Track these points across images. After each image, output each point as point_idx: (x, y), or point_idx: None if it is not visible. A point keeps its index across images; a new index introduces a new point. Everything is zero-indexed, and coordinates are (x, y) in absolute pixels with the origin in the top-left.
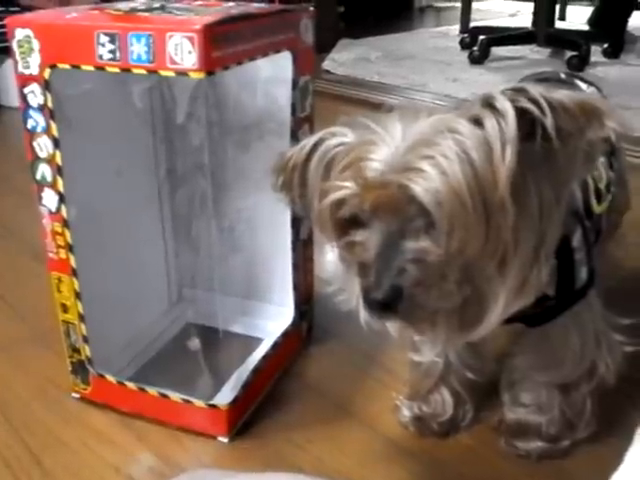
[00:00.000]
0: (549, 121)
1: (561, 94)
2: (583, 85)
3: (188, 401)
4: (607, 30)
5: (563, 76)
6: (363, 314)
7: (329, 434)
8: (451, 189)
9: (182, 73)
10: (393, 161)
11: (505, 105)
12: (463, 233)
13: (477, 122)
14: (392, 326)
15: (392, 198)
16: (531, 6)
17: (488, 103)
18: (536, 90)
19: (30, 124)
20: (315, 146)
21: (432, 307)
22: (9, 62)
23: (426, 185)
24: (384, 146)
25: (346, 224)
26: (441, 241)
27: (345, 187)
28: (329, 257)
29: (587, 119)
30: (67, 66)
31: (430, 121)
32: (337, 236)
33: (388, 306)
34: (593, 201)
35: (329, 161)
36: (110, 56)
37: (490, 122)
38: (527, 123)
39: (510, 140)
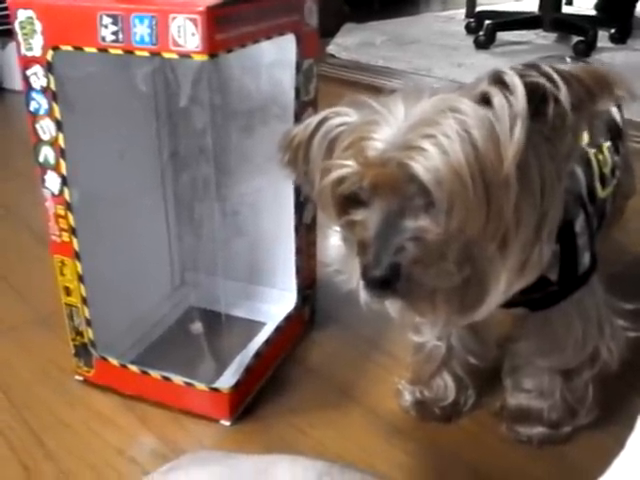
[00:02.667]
0: (563, 94)
1: (571, 66)
2: None
3: (190, 384)
4: (614, 15)
5: (568, 60)
6: (363, 295)
7: (331, 418)
8: (451, 168)
9: (185, 55)
10: (394, 140)
11: (515, 80)
12: (463, 213)
13: (484, 100)
14: (392, 307)
15: (392, 176)
16: None
17: (497, 79)
18: (547, 64)
19: (33, 106)
20: (319, 124)
21: (430, 286)
22: (12, 45)
23: (426, 163)
24: (386, 126)
25: (347, 203)
26: (440, 220)
27: (346, 165)
28: (332, 241)
29: (599, 88)
30: (70, 48)
31: (432, 101)
32: (338, 215)
33: (387, 284)
34: (597, 186)
35: (332, 140)
36: (113, 38)
37: (498, 98)
38: (535, 100)
39: (520, 116)
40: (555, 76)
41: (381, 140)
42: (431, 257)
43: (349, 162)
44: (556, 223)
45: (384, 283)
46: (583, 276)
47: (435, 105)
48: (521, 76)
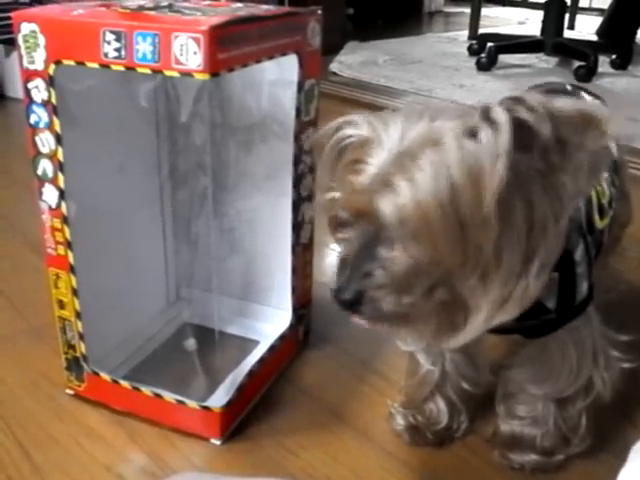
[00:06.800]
0: (547, 130)
1: (560, 102)
2: (588, 98)
3: (182, 402)
4: (616, 41)
5: (569, 87)
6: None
7: (322, 440)
8: (419, 207)
9: (187, 74)
10: (381, 170)
11: (500, 116)
12: (432, 250)
13: (472, 134)
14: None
15: (368, 208)
16: (540, 14)
17: (485, 114)
18: (535, 99)
19: (33, 119)
20: (334, 133)
21: (395, 313)
22: (15, 53)
23: (393, 201)
24: (380, 149)
25: (337, 222)
26: (410, 253)
27: (337, 189)
28: (329, 260)
29: (586, 127)
30: (72, 63)
31: (422, 130)
32: (331, 231)
33: (352, 306)
34: (596, 216)
35: (340, 151)
36: (115, 54)
37: (485, 134)
38: (525, 134)
39: (502, 153)
40: (541, 111)
41: (372, 166)
42: (396, 287)
43: (342, 189)
44: (552, 259)
45: (350, 305)
46: (580, 305)
47: (422, 135)
48: (508, 110)
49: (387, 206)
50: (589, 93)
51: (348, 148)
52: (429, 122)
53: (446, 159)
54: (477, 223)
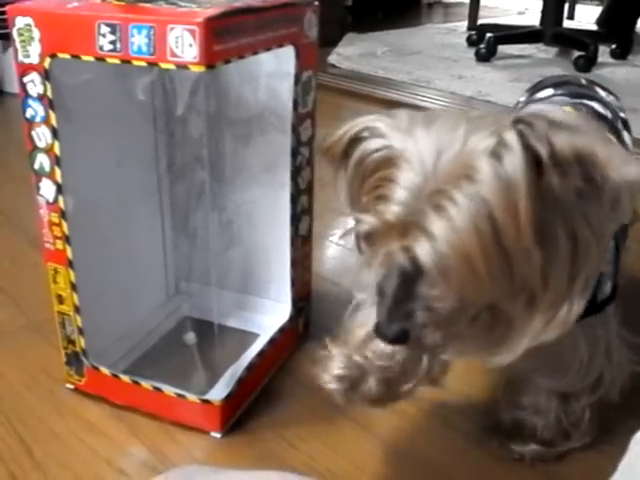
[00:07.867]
0: (549, 168)
1: (561, 138)
2: (602, 92)
3: (182, 396)
4: (615, 31)
5: (584, 81)
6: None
7: (322, 432)
8: (458, 248)
9: (183, 66)
10: (411, 203)
11: (512, 140)
12: (475, 287)
13: (498, 157)
14: None
15: (403, 250)
16: (539, 4)
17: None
18: (543, 127)
19: (29, 113)
20: (353, 142)
21: (440, 346)
22: (12, 49)
23: (430, 247)
24: (410, 173)
25: (366, 240)
26: (452, 292)
27: (369, 222)
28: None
29: (585, 167)
30: (67, 56)
31: (454, 154)
32: (359, 247)
33: (396, 342)
34: None
35: (366, 167)
36: (110, 47)
37: (509, 159)
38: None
39: (523, 178)
40: (542, 147)
41: (401, 193)
42: (440, 324)
43: (371, 219)
44: (595, 275)
45: (394, 341)
46: (601, 304)
47: (455, 161)
48: (520, 135)
49: (424, 253)
50: (603, 88)
51: (372, 163)
52: (462, 142)
53: (481, 190)
54: (520, 253)
